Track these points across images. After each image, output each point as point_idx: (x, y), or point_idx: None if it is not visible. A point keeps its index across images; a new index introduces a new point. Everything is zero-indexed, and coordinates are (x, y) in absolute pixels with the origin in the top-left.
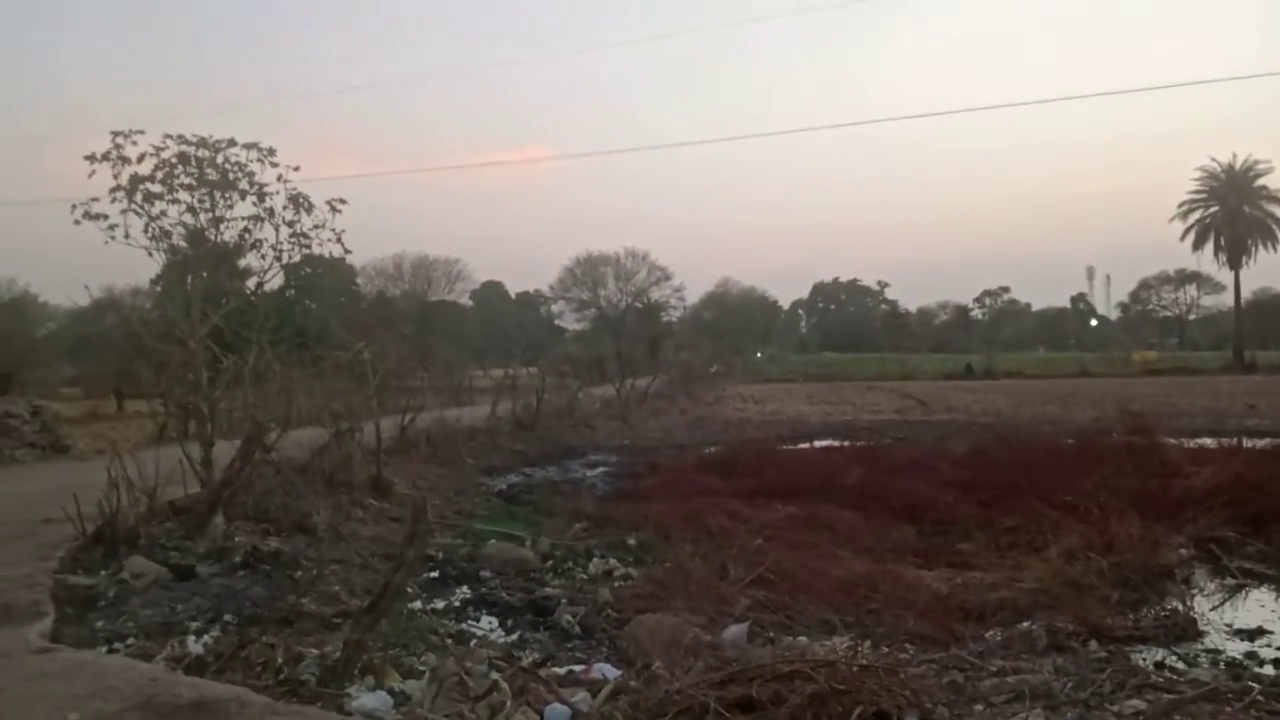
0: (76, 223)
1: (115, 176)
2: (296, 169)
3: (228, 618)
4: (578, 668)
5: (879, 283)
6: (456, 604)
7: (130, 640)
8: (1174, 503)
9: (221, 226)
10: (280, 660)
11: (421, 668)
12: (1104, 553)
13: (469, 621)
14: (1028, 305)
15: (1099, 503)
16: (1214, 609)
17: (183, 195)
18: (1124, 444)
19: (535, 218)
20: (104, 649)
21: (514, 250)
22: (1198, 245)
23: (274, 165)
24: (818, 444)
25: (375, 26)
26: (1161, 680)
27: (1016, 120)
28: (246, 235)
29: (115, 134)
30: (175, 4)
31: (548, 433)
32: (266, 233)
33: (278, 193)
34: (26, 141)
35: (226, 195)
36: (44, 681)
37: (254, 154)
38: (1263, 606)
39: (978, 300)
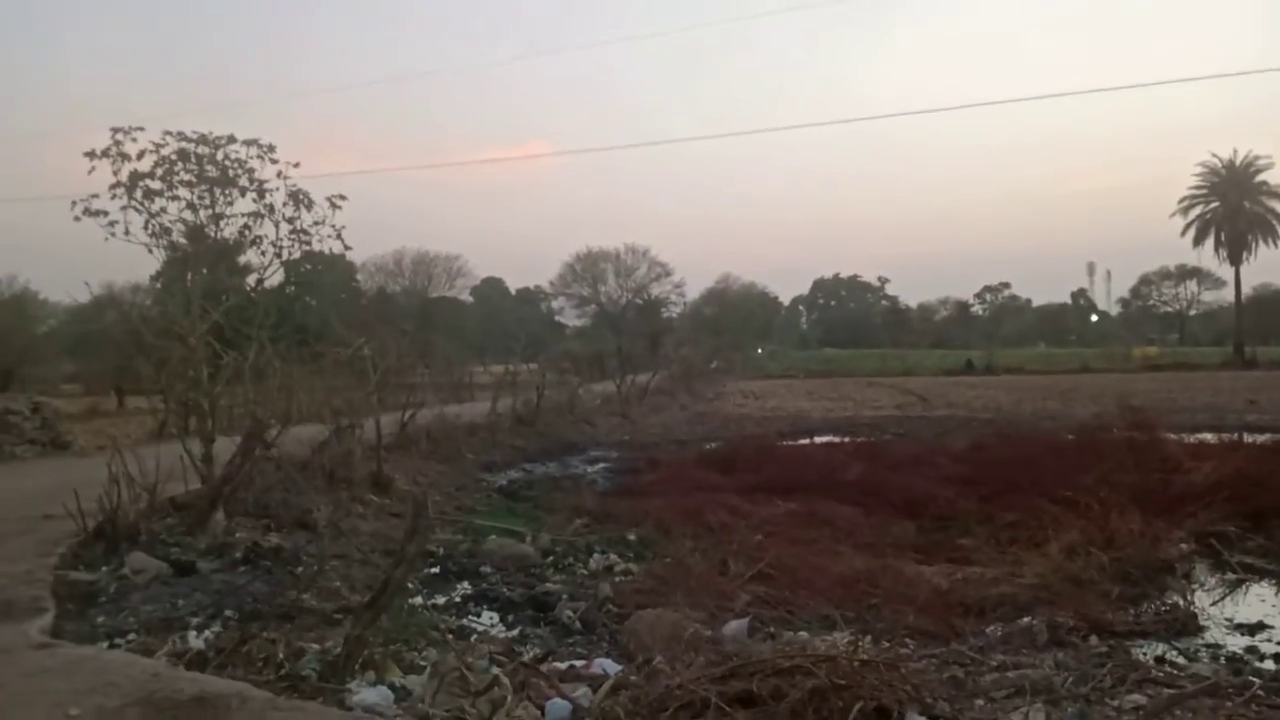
0: (77, 219)
1: (115, 173)
2: (296, 165)
3: (229, 613)
4: (578, 663)
5: (879, 278)
6: (457, 599)
7: (131, 636)
8: (1174, 498)
9: (221, 223)
10: (281, 655)
11: (422, 663)
12: (1104, 548)
13: (470, 617)
14: (1028, 301)
15: (1099, 498)
16: (1214, 604)
17: (183, 192)
18: (1124, 439)
19: (536, 214)
20: (105, 644)
21: (514, 246)
22: (1198, 241)
23: (274, 162)
24: (818, 440)
25: (376, 23)
26: (1162, 675)
27: (1017, 116)
28: (246, 232)
29: (115, 130)
30: (175, 1)
31: (548, 429)
32: (266, 229)
33: (278, 189)
34: (27, 137)
35: (226, 192)
36: (45, 677)
37: (254, 150)
38: (1263, 601)
39: (978, 296)
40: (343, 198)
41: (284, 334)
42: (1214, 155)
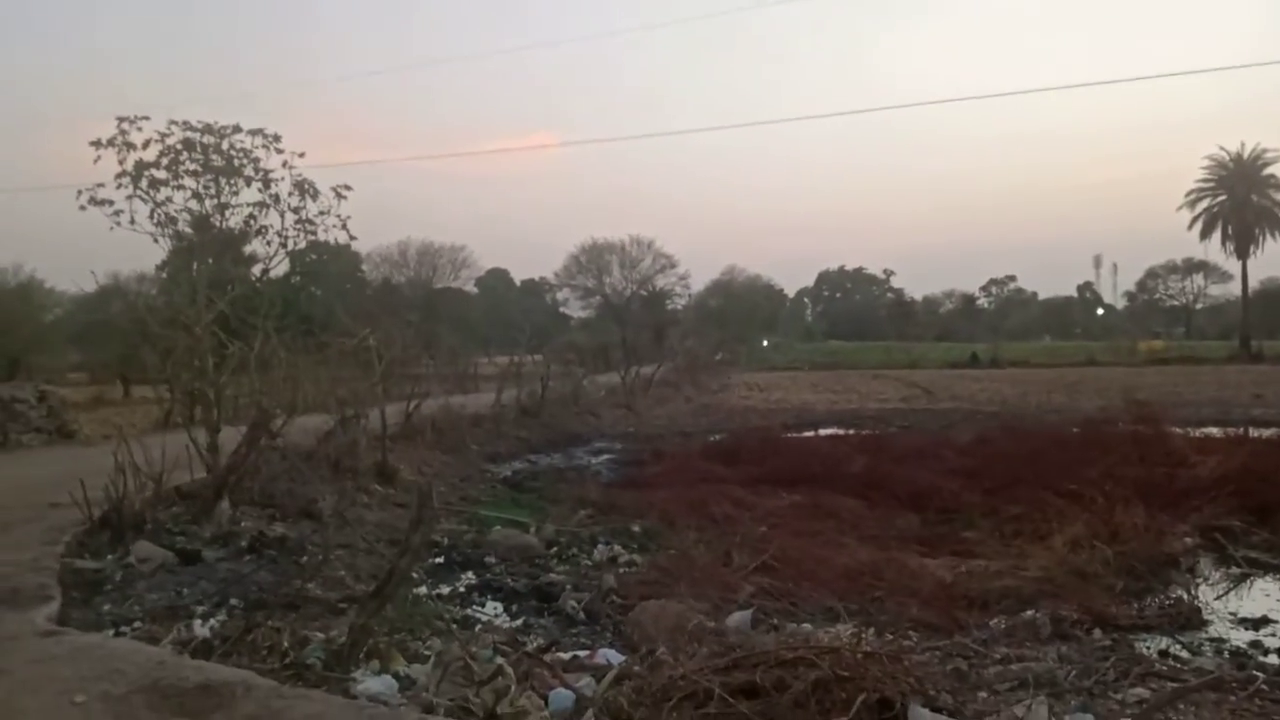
0: (82, 208)
1: (121, 162)
2: (302, 155)
3: (234, 602)
4: (582, 653)
5: (885, 271)
6: (462, 589)
7: (137, 624)
8: (1179, 492)
9: (227, 213)
10: (286, 644)
11: (427, 652)
12: (1109, 541)
13: (474, 607)
14: (1034, 294)
15: (1104, 491)
16: (1218, 598)
17: (188, 181)
18: (1130, 433)
19: (541, 205)
20: (111, 632)
21: (519, 237)
22: (1205, 234)
23: (279, 151)
24: (822, 432)
25: (383, 13)
26: (1165, 669)
27: (1024, 108)
28: (252, 221)
29: (121, 120)
30: None
31: (552, 420)
32: (272, 219)
33: (283, 179)
34: (32, 126)
35: (232, 181)
36: (51, 664)
37: (259, 140)
38: (1267, 596)
39: (984, 289)
40: (348, 188)
41: (289, 324)
42: (1222, 148)
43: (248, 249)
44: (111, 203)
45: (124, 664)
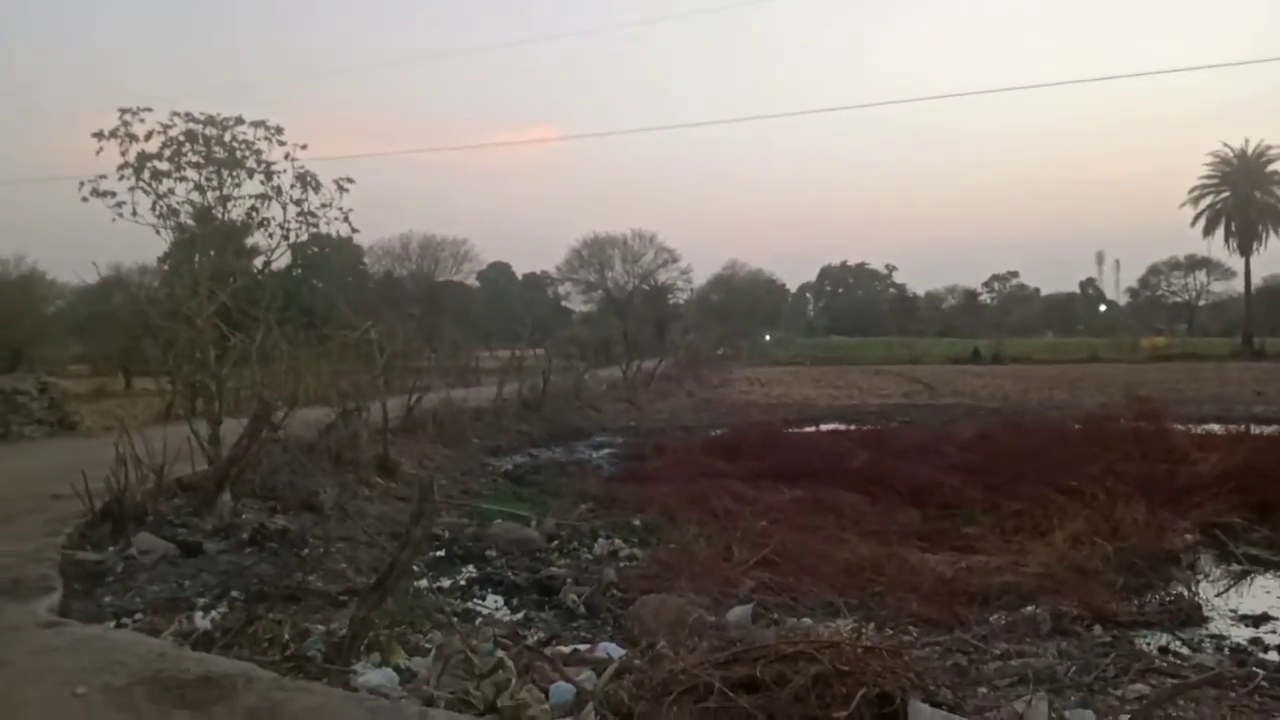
0: (84, 200)
1: (123, 154)
2: (304, 147)
3: (235, 594)
4: (583, 647)
5: (887, 266)
6: (462, 583)
7: (138, 615)
8: (1180, 488)
9: (229, 205)
10: (287, 636)
11: (427, 645)
12: (1109, 538)
13: (475, 600)
14: (1036, 290)
15: (1105, 488)
16: (1219, 595)
17: (190, 173)
18: (1131, 429)
19: (543, 198)
20: (112, 624)
21: (521, 231)
22: (1208, 231)
23: (281, 144)
24: (824, 427)
25: (385, 6)
26: (1165, 665)
27: (1027, 103)
28: (254, 213)
29: (123, 111)
30: None
31: (554, 414)
32: (274, 211)
33: (285, 171)
34: (34, 118)
35: (234, 173)
36: (52, 655)
37: (261, 132)
38: (1268, 593)
39: (986, 284)
40: (350, 180)
41: (291, 316)
42: (1225, 145)
43: (249, 241)
44: (114, 194)
45: (125, 655)
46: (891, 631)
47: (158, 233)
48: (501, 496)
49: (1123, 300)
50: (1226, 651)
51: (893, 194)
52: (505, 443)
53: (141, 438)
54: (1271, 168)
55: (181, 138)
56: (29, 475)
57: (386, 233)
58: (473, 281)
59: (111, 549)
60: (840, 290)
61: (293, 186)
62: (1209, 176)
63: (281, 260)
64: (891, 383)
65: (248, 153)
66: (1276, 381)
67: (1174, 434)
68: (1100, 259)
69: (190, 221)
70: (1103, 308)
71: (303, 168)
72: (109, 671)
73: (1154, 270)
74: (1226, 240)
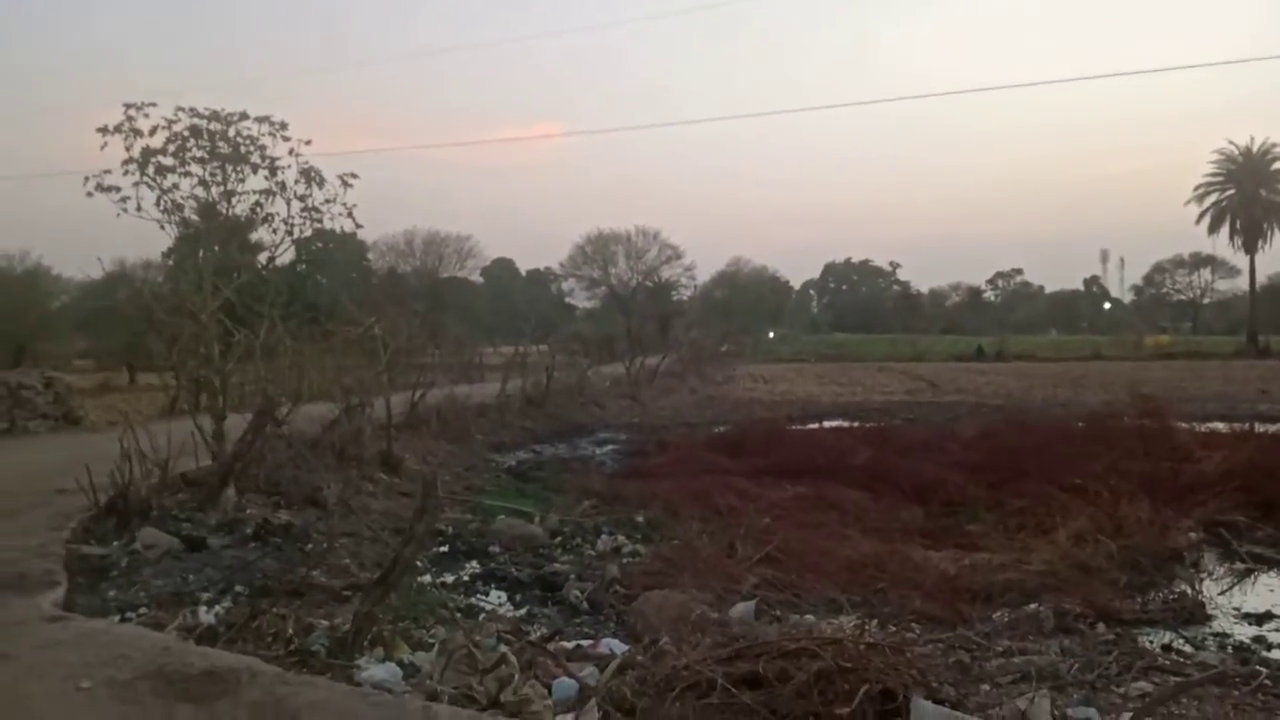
0: (89, 195)
1: (128, 149)
2: (308, 143)
3: (239, 589)
4: (585, 642)
5: (891, 263)
6: (466, 578)
7: (142, 610)
8: (1184, 487)
9: (233, 200)
10: (291, 631)
11: (431, 640)
12: (1113, 535)
13: (478, 596)
14: (1041, 287)
15: (1109, 486)
16: (1222, 593)
17: (195, 168)
18: (1135, 427)
19: (547, 194)
20: (116, 618)
21: (525, 227)
22: (1213, 229)
23: (286, 139)
24: (827, 424)
25: (390, 2)
26: (1168, 663)
27: (1031, 100)
28: (258, 209)
29: (128, 106)
30: None
31: (557, 410)
32: (278, 207)
33: (290, 166)
34: (40, 114)
35: (238, 169)
36: (57, 650)
37: (266, 127)
38: (1271, 591)
39: (990, 282)
40: (354, 176)
41: (295, 312)
42: (1230, 142)
43: (254, 236)
44: (118, 189)
45: (129, 650)
46: (894, 628)
47: (162, 228)
48: (505, 492)
49: (1127, 298)
50: (1230, 650)
51: (896, 191)
52: (509, 439)
53: (146, 433)
54: (1277, 165)
55: (186, 133)
56: (34, 470)
57: (391, 228)
58: (476, 277)
59: (116, 544)
60: (844, 287)
61: (297, 182)
62: (1214, 174)
63: (286, 256)
64: (895, 380)
65: (252, 148)
66: None
67: (1178, 432)
68: (1105, 256)
69: (194, 217)
70: (1107, 305)
71: (307, 163)
72: (113, 666)
73: (1158, 268)
74: (1231, 238)
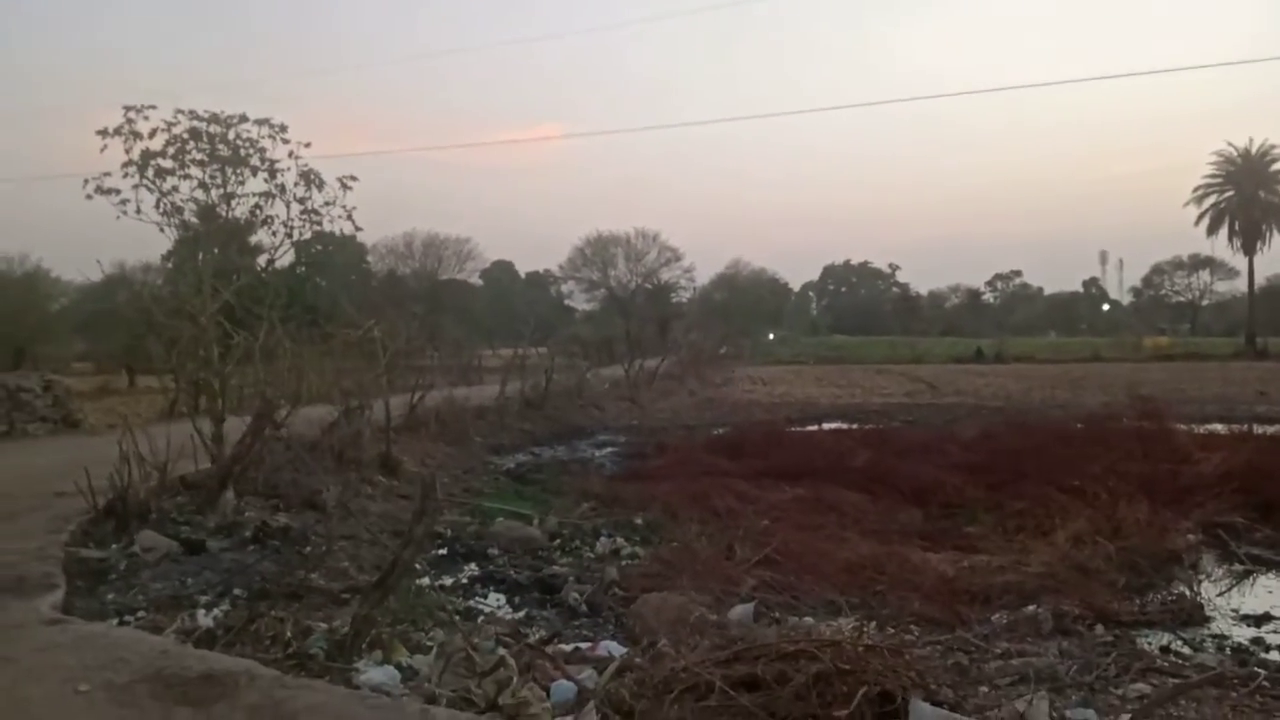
0: (89, 197)
1: (127, 151)
2: (308, 145)
3: (237, 592)
4: (584, 645)
5: (890, 265)
6: (464, 581)
7: (141, 613)
8: (1183, 488)
9: (233, 202)
10: (289, 634)
11: (429, 643)
12: (1111, 537)
13: (477, 598)
14: (1040, 289)
15: (1107, 487)
16: (1221, 594)
17: (194, 171)
18: (1134, 429)
19: (546, 197)
20: (115, 621)
21: (524, 229)
22: (1212, 230)
23: (285, 141)
24: (826, 426)
25: (390, 4)
26: (1167, 664)
27: (1030, 102)
28: (258, 211)
29: (127, 108)
30: None
31: (556, 412)
32: (277, 209)
33: (289, 169)
34: (40, 116)
35: (238, 171)
36: (55, 652)
37: (265, 130)
38: (1270, 593)
39: (989, 284)
40: (354, 178)
41: (294, 314)
42: (1229, 144)
43: (253, 239)
44: (118, 192)
45: (128, 653)
46: (893, 630)
47: (162, 230)
48: (504, 495)
49: (1126, 300)
50: (1228, 651)
51: (896, 193)
52: (508, 441)
53: (145, 435)
54: (1276, 167)
55: (186, 135)
56: (33, 473)
57: (390, 231)
58: (476, 280)
59: (114, 546)
60: (843, 289)
61: (296, 184)
62: (1213, 176)
63: (285, 258)
64: (894, 382)
65: (251, 150)
66: (1279, 381)
67: (1176, 434)
68: (1104, 258)
69: (194, 219)
70: (1106, 307)
71: (306, 165)
72: (111, 669)
73: (1157, 270)
74: (1230, 240)
